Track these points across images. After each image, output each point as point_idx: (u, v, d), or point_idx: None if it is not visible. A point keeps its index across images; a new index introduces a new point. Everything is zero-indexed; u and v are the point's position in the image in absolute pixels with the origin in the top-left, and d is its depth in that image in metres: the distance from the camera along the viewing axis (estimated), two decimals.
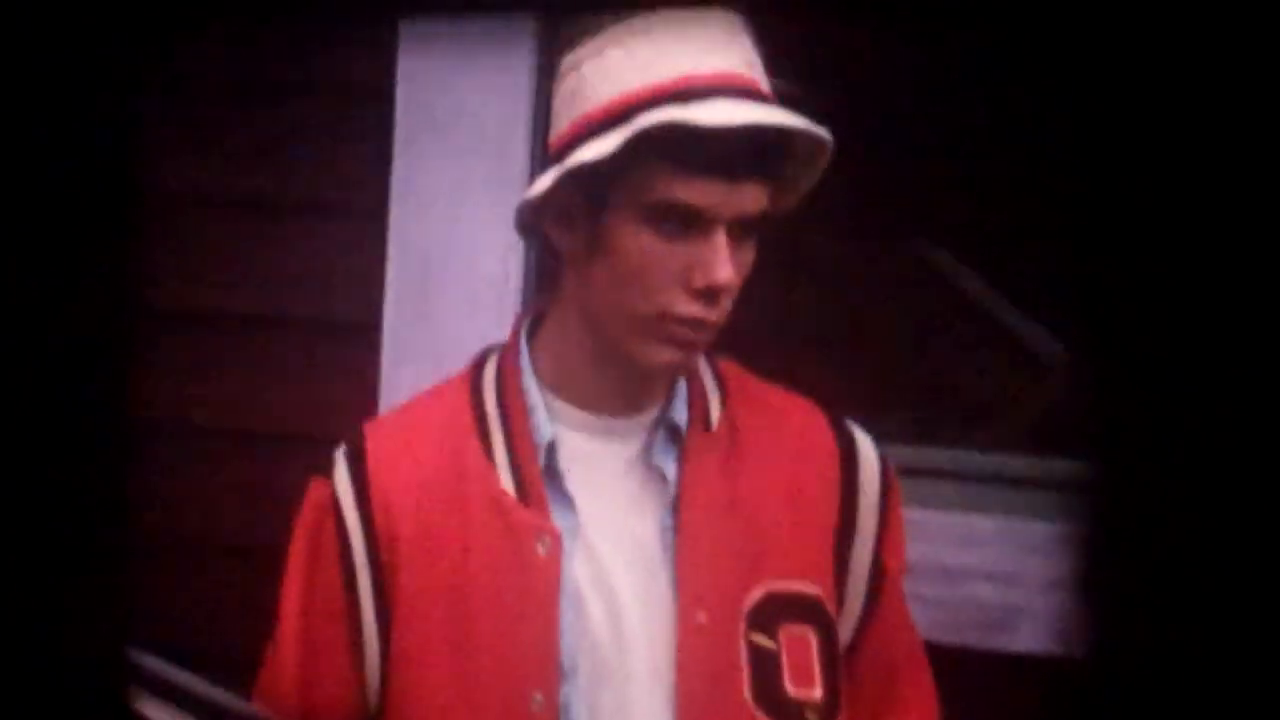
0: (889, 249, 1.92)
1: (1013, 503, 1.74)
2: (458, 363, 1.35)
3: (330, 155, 1.76)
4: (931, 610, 1.34)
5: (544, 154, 1.72)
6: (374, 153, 1.74)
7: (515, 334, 1.25)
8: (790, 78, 1.17)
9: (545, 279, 1.73)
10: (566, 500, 1.18)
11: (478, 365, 1.27)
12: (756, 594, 1.17)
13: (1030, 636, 1.68)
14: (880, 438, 1.28)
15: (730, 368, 1.27)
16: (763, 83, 1.14)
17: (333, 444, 1.27)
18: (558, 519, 1.17)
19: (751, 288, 1.16)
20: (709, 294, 1.10)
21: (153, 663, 1.53)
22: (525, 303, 1.73)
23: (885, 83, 1.77)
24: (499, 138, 1.74)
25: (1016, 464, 1.77)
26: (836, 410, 1.28)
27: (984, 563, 1.70)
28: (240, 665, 1.29)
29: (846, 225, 1.44)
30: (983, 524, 1.71)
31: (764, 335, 1.19)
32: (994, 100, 1.73)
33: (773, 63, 1.16)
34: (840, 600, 1.21)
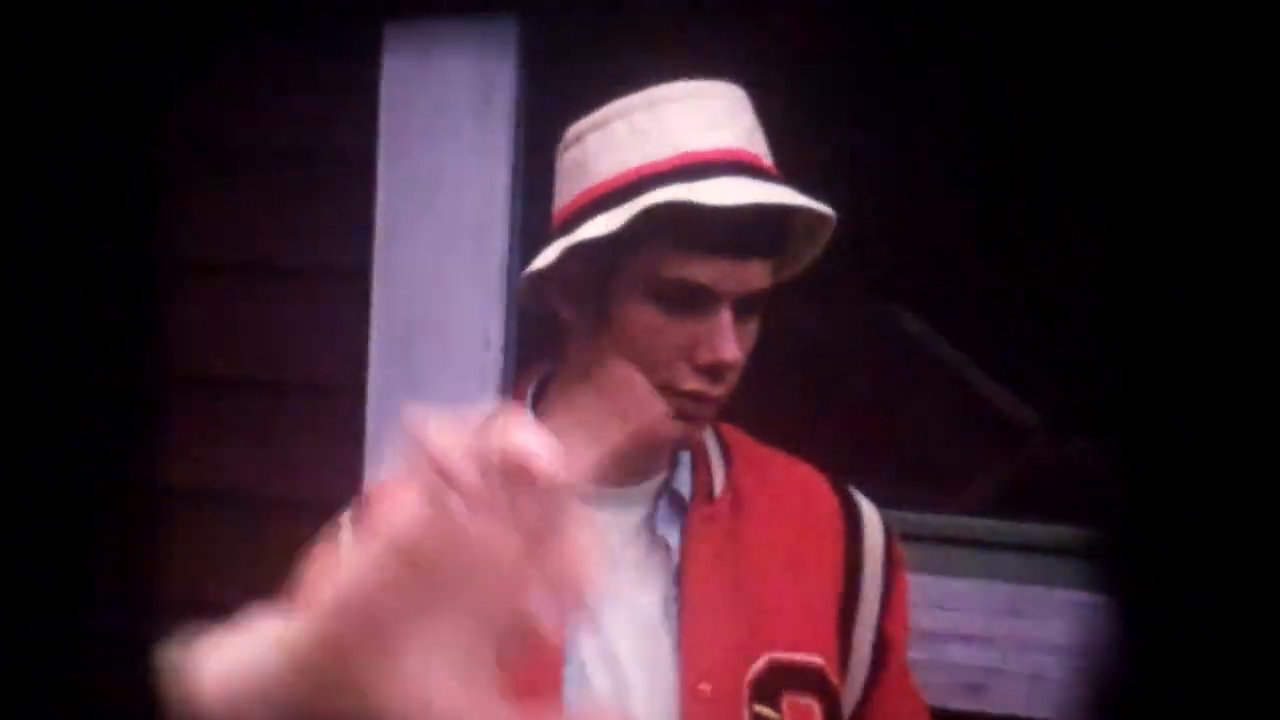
0: (862, 315, 1.95)
1: (986, 565, 1.76)
2: None
3: (313, 220, 1.76)
4: None
5: (523, 218, 1.74)
6: (356, 217, 1.74)
7: (519, 402, 1.25)
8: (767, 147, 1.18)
9: (527, 340, 1.74)
10: None
11: None
12: (760, 664, 1.16)
13: (1004, 698, 1.70)
14: None
15: (734, 434, 1.28)
16: (765, 157, 1.15)
17: (321, 506, 1.25)
18: None
19: None
20: (713, 370, 1.11)
21: None
22: (507, 363, 1.74)
23: (857, 148, 1.80)
24: (479, 201, 1.74)
25: (989, 527, 1.80)
26: (840, 477, 1.29)
27: (958, 625, 1.72)
28: None
29: (819, 291, 1.45)
30: (957, 586, 1.74)
31: (735, 400, 1.19)
32: (967, 167, 1.77)
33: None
34: (844, 669, 1.21)
